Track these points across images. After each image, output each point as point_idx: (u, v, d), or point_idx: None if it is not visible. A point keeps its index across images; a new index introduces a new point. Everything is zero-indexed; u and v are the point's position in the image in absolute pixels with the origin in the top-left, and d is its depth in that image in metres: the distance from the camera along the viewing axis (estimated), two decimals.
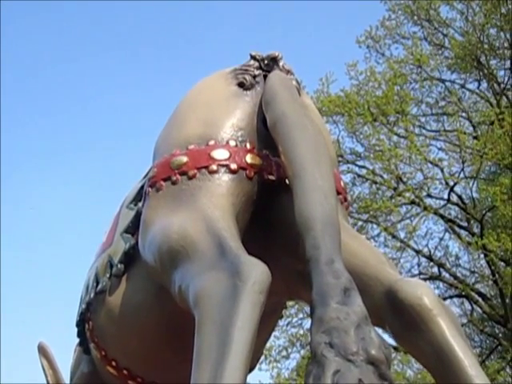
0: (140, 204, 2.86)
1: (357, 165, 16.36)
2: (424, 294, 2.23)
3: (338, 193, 2.74)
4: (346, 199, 2.89)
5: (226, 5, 25.55)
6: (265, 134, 2.71)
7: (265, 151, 2.72)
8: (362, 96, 15.99)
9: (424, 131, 16.59)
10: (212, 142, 2.70)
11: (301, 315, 15.63)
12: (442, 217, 16.02)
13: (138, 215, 2.83)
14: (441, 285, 16.41)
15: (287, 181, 2.54)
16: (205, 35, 26.11)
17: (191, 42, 26.20)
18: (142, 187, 2.90)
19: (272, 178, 2.69)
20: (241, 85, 2.86)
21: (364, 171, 16.27)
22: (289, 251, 2.54)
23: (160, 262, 2.49)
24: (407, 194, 15.53)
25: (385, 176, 15.86)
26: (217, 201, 2.55)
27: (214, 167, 2.64)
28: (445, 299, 16.18)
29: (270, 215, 2.69)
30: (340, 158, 15.84)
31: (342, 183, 2.89)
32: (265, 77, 2.87)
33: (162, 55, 27.30)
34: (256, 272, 2.11)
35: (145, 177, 2.95)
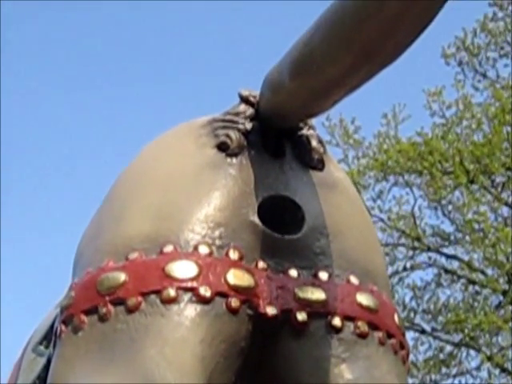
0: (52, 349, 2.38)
1: (443, 253, 13.57)
2: None
3: (391, 335, 2.20)
4: (403, 345, 2.23)
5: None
6: (262, 231, 2.11)
7: (262, 263, 2.10)
8: (450, 143, 13.28)
9: None
10: (169, 248, 2.07)
11: None
12: None
13: (49, 366, 2.30)
14: None
15: (298, 316, 2.08)
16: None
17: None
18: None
19: (272, 311, 2.07)
20: (222, 147, 2.17)
21: (455, 264, 13.59)
22: None
23: None
24: None
25: (489, 272, 13.24)
26: (173, 353, 1.98)
27: (172, 293, 2.01)
28: None
29: (273, 370, 2.12)
30: (417, 243, 13.12)
31: (396, 318, 2.27)
32: (263, 131, 2.20)
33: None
34: None
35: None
